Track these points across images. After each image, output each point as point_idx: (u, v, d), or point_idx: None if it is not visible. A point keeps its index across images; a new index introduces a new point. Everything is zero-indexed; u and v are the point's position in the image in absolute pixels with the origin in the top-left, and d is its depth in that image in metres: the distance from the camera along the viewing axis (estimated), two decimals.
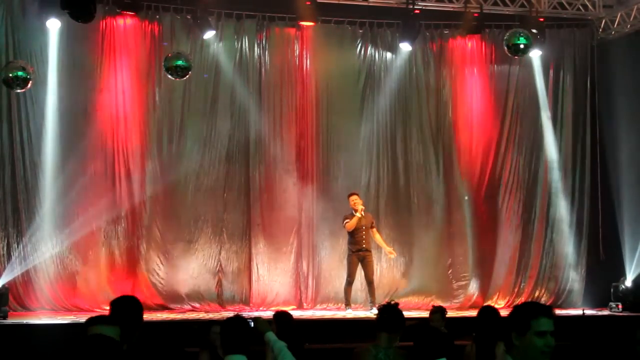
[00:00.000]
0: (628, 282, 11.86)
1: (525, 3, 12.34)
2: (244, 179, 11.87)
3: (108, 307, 4.20)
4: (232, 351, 4.13)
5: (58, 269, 10.91)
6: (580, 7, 12.62)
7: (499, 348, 5.26)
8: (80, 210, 11.06)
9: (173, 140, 11.66)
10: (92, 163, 11.24)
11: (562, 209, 12.54)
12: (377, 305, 10.77)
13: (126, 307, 4.11)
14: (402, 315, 5.08)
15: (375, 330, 5.03)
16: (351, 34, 12.47)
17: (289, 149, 12.09)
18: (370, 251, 10.97)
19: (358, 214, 10.80)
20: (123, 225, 11.31)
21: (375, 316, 5.20)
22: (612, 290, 11.88)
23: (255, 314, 9.84)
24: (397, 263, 12.11)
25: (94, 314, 4.21)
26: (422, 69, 12.62)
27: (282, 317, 5.91)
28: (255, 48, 12.08)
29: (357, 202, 10.88)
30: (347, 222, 10.84)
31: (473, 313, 6.70)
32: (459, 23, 12.38)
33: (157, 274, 11.40)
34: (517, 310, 3.22)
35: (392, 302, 5.13)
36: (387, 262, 12.02)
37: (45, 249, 10.77)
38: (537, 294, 12.39)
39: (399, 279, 12.17)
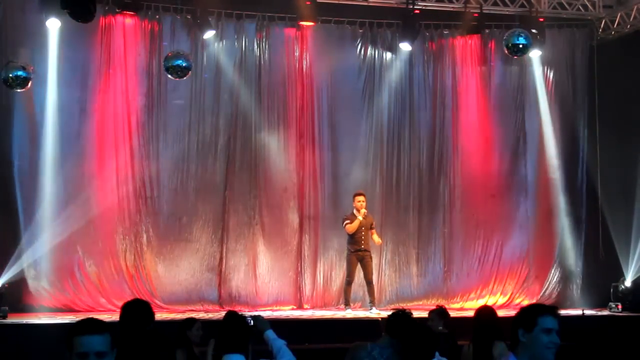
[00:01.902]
0: (627, 283, 11.85)
1: (525, 3, 12.34)
2: (245, 178, 11.88)
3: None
4: (229, 350, 4.10)
5: (57, 269, 10.90)
6: (580, 7, 12.62)
7: (496, 348, 5.27)
8: (79, 210, 11.03)
9: (173, 140, 11.66)
10: (91, 163, 11.24)
11: (562, 208, 12.53)
12: (376, 305, 10.86)
13: (133, 312, 4.04)
14: (412, 325, 4.74)
15: (380, 329, 4.97)
16: (351, 34, 12.47)
17: (289, 149, 12.09)
18: (369, 251, 10.96)
19: (360, 217, 10.78)
20: (123, 224, 11.31)
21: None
22: (611, 290, 11.88)
23: (255, 313, 9.81)
24: (396, 263, 12.13)
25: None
26: (422, 69, 12.62)
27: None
28: (255, 48, 12.08)
29: (362, 204, 10.82)
30: (347, 224, 10.81)
31: (471, 313, 6.69)
32: (459, 23, 12.38)
33: (158, 273, 11.40)
34: (525, 309, 3.44)
35: (407, 311, 4.84)
36: (387, 263, 12.05)
37: (44, 248, 10.75)
38: (537, 294, 12.37)
39: (397, 278, 12.16)
